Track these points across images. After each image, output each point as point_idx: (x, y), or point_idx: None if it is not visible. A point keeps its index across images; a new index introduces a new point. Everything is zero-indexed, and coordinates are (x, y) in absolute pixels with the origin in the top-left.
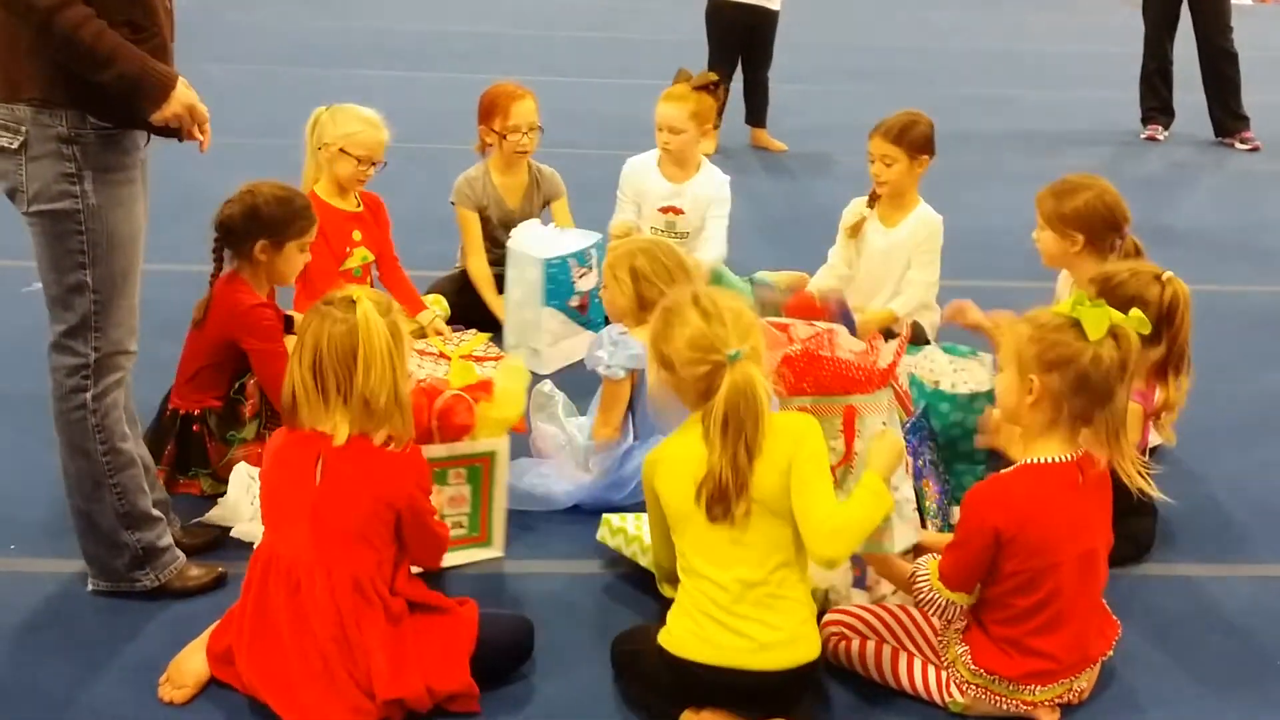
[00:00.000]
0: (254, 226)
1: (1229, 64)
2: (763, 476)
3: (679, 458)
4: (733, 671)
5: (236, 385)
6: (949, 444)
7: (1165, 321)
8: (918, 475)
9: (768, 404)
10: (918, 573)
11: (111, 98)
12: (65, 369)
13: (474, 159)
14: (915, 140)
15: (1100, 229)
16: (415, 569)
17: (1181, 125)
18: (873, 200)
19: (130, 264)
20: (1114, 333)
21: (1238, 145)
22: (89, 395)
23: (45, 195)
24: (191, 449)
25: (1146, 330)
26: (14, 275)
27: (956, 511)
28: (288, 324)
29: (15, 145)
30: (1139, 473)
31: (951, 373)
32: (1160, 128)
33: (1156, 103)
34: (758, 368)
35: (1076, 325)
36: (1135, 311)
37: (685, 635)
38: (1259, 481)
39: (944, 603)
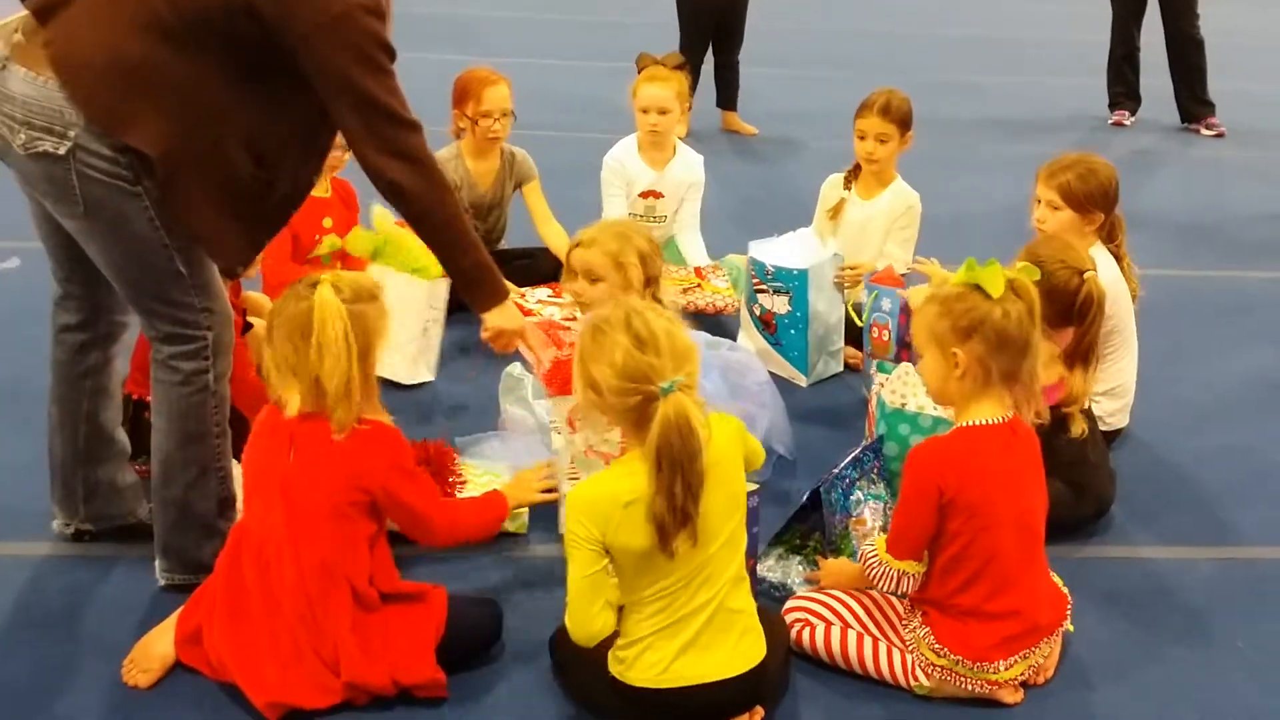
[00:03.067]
0: None
1: (1196, 50)
2: (714, 506)
3: (636, 500)
4: (696, 689)
5: None
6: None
7: (1077, 316)
8: (847, 512)
9: (706, 436)
10: (866, 555)
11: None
12: (183, 355)
13: (448, 140)
14: (905, 116)
15: (1111, 206)
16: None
17: (1148, 111)
18: (850, 178)
19: None
20: (1012, 287)
21: (1203, 131)
22: (211, 376)
23: (105, 199)
24: (143, 435)
25: (1035, 277)
26: None
27: None
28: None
29: (63, 150)
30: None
31: (923, 394)
32: (1127, 113)
33: (1124, 88)
34: (692, 398)
35: (977, 289)
36: (1022, 264)
37: (644, 667)
38: (1221, 464)
39: (896, 574)
